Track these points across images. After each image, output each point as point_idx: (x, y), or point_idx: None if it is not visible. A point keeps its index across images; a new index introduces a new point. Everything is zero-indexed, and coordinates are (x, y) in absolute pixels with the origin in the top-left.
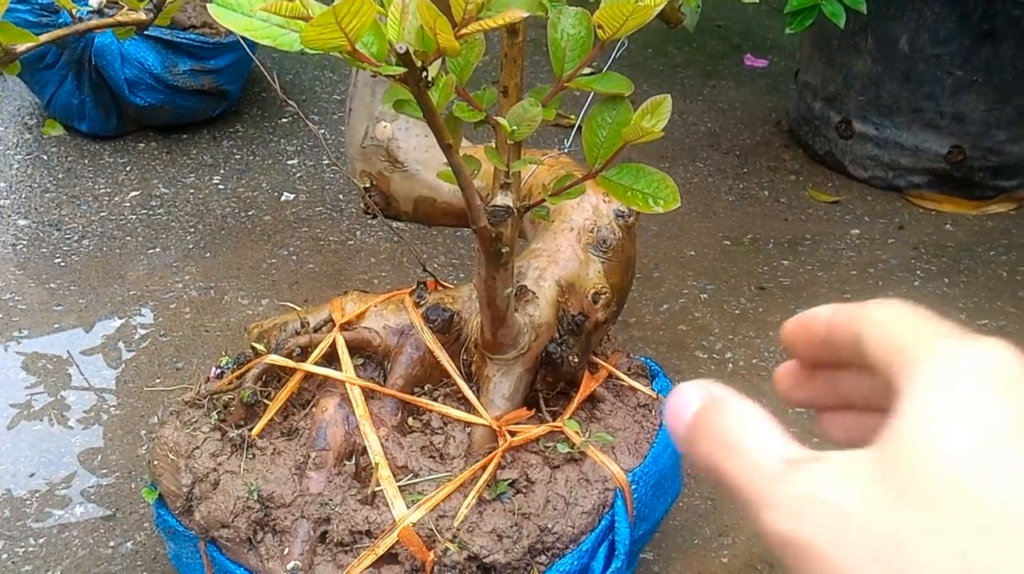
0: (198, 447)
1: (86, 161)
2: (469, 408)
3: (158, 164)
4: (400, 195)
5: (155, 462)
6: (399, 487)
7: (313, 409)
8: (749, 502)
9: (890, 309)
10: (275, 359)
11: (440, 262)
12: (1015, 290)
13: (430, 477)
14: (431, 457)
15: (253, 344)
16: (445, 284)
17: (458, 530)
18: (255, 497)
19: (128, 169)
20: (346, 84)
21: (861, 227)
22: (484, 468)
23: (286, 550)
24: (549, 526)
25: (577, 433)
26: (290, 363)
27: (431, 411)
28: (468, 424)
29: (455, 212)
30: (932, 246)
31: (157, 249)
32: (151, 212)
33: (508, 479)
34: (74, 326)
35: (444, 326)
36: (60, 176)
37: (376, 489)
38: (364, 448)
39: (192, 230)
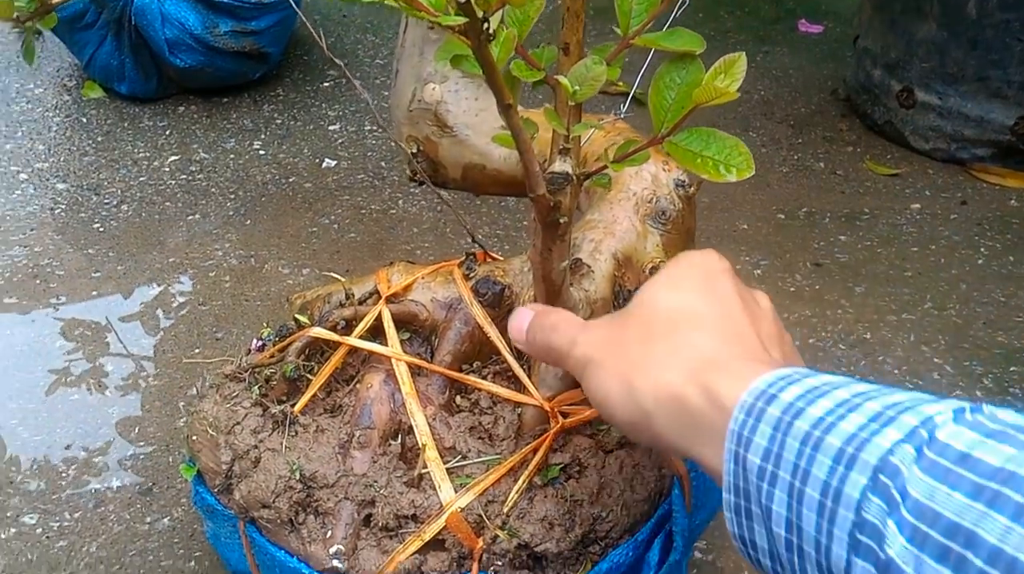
0: (239, 423)
1: (125, 124)
2: (520, 387)
3: (198, 128)
4: (448, 161)
5: (193, 437)
6: (447, 469)
7: (357, 385)
8: (561, 353)
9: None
10: (319, 332)
11: (484, 232)
12: None
13: (479, 459)
14: (480, 438)
15: (296, 316)
16: (495, 255)
17: (508, 516)
18: (297, 477)
19: (168, 133)
20: (389, 48)
21: (922, 201)
22: (535, 451)
23: (328, 533)
24: (603, 514)
25: None
26: (334, 337)
27: (480, 390)
28: (518, 404)
29: (504, 180)
30: (997, 222)
31: (196, 215)
32: (190, 177)
33: (560, 463)
34: (112, 293)
35: (495, 300)
36: (99, 139)
37: (423, 471)
38: (410, 427)
39: (232, 196)
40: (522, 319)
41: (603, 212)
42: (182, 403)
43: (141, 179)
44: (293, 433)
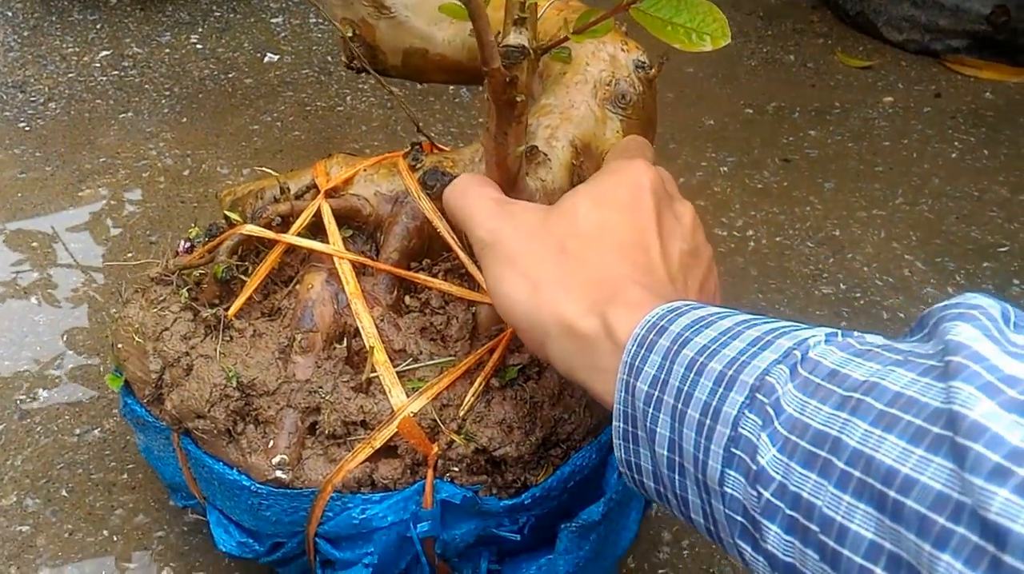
0: (167, 329)
1: (53, 18)
2: (474, 285)
3: (131, 22)
4: (387, 46)
5: (119, 345)
6: (397, 373)
7: (297, 286)
8: (471, 223)
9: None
10: (252, 230)
11: (437, 130)
12: None
13: (431, 362)
14: (431, 340)
15: (227, 213)
16: (441, 147)
17: (463, 420)
18: (234, 384)
19: (99, 27)
20: None
21: (895, 95)
22: (491, 352)
23: (271, 443)
24: (565, 416)
25: None
26: (269, 234)
27: (430, 288)
28: (472, 303)
29: (448, 66)
30: (971, 115)
31: (129, 114)
32: (123, 73)
33: (518, 364)
34: (38, 196)
35: (443, 192)
36: (25, 34)
37: (371, 375)
38: (356, 330)
39: (168, 93)
40: (452, 183)
41: (559, 96)
42: (114, 310)
43: (70, 75)
44: (228, 338)
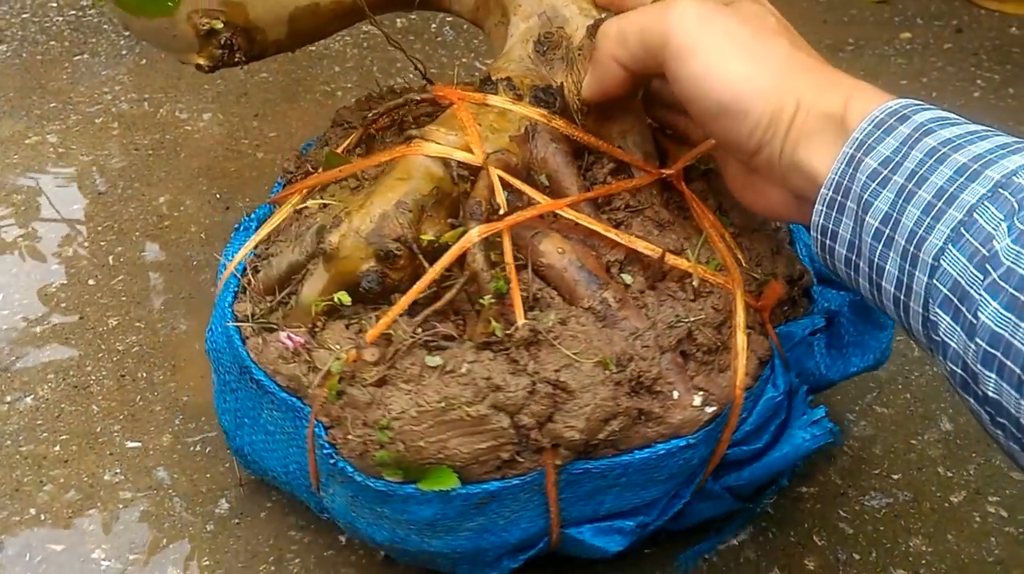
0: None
1: None
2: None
3: None
4: (267, 20)
5: (418, 443)
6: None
7: (545, 267)
8: (659, 29)
9: None
10: (485, 229)
11: (416, 74)
12: None
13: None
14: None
15: (430, 239)
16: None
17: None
18: (613, 370)
19: None
20: None
21: (913, 30)
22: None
23: (676, 394)
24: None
25: None
26: (501, 226)
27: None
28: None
29: (345, 11)
30: (995, 51)
31: (85, 55)
32: (81, 13)
33: None
34: None
35: (561, 103)
36: None
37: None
38: (622, 260)
39: (127, 34)
40: (609, 26)
41: None
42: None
43: (24, 16)
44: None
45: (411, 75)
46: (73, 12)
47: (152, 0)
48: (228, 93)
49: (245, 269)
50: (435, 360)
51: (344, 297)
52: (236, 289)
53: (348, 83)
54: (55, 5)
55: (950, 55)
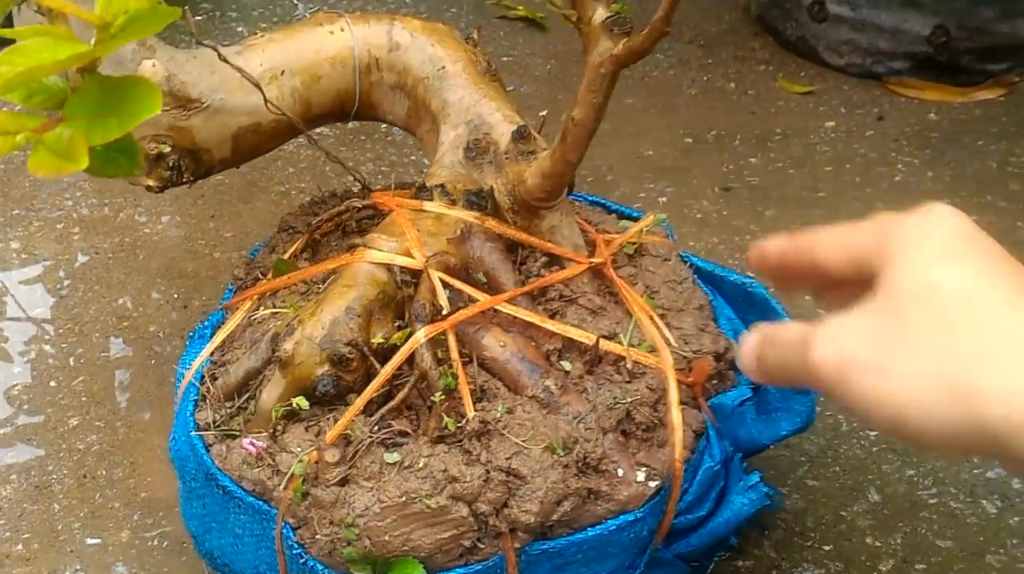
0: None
1: None
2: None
3: None
4: (212, 141)
5: (383, 538)
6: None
7: (488, 359)
8: (798, 362)
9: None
10: (430, 329)
11: (368, 169)
12: (1005, 182)
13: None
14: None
15: (379, 341)
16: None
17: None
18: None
19: None
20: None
21: (836, 119)
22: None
23: (621, 472)
24: None
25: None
26: (445, 325)
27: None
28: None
29: (285, 127)
30: (915, 137)
31: None
32: None
33: None
34: None
35: (486, 202)
36: None
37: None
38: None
39: None
40: (748, 344)
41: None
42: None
43: None
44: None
45: (365, 171)
46: None
47: (115, 163)
48: (185, 195)
49: (203, 377)
50: (393, 457)
51: (302, 402)
52: (196, 397)
53: (302, 183)
54: None
55: (872, 141)
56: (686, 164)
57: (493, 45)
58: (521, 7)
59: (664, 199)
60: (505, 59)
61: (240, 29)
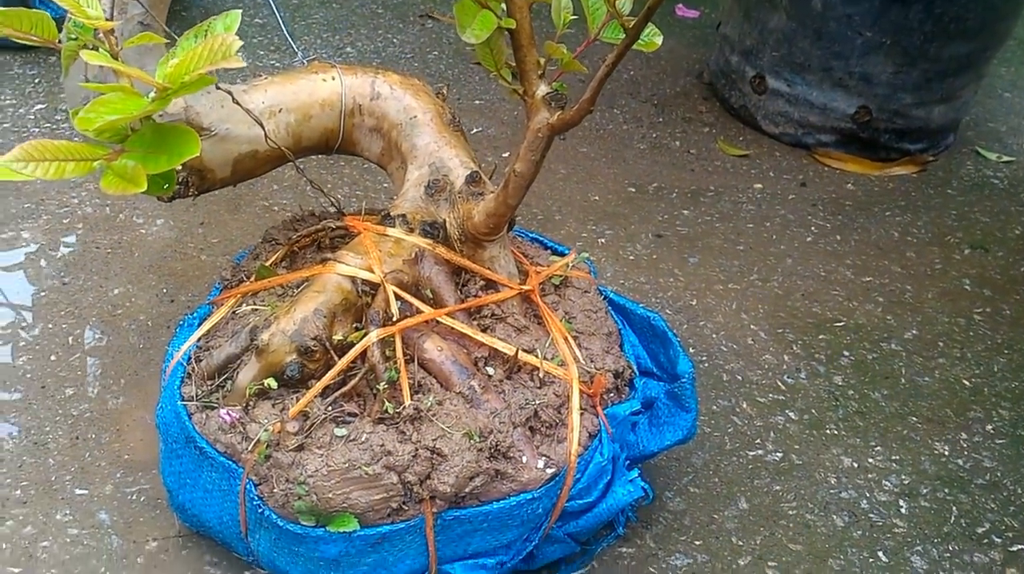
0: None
1: None
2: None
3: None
4: (216, 163)
5: (332, 488)
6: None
7: (427, 359)
8: None
9: None
10: (382, 331)
11: (344, 193)
12: (904, 250)
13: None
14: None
15: (339, 338)
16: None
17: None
18: (477, 442)
19: (36, 81)
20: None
21: (765, 182)
22: None
23: (524, 459)
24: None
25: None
26: (395, 329)
27: (486, 305)
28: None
29: (278, 156)
30: (831, 203)
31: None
32: (55, 126)
33: None
34: None
35: (443, 234)
36: None
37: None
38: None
39: None
40: None
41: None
42: (31, 344)
43: (5, 126)
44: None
45: (341, 195)
46: (48, 125)
47: (157, 185)
48: (179, 203)
49: (190, 358)
50: (342, 431)
51: (272, 383)
52: (182, 375)
53: (284, 200)
54: (32, 118)
55: (792, 204)
56: (627, 211)
57: (468, 88)
58: (485, 63)
59: (603, 240)
60: (477, 102)
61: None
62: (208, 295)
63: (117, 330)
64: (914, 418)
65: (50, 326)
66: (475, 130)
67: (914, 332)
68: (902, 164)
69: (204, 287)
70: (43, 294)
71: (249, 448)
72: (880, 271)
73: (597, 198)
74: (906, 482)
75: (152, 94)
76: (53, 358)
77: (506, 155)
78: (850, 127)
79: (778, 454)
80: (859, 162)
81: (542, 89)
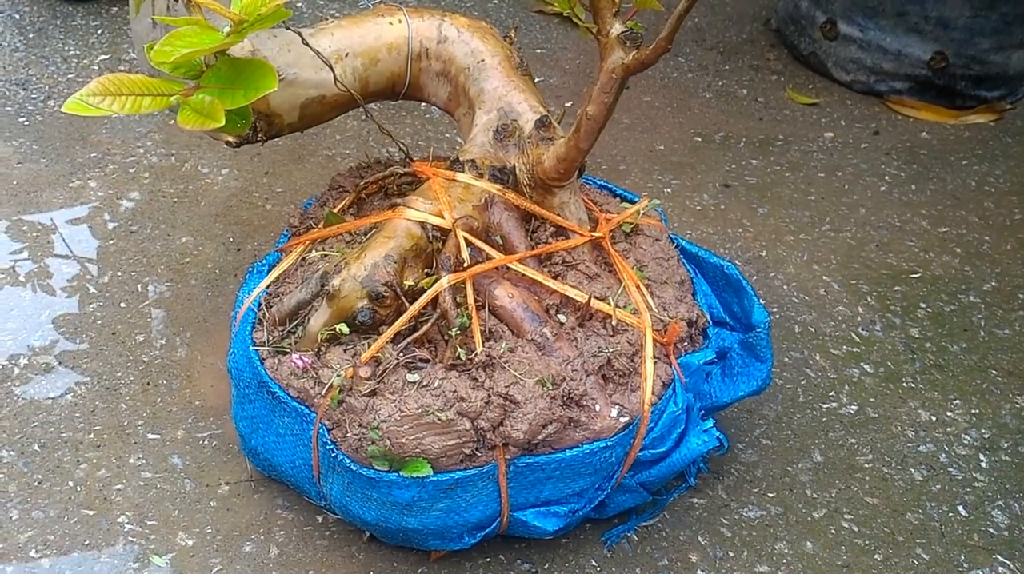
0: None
1: (58, 22)
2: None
3: (129, 29)
4: (283, 108)
5: (414, 435)
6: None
7: (498, 307)
8: None
9: None
10: (455, 276)
11: (408, 143)
12: (981, 200)
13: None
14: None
15: (410, 284)
16: (416, 160)
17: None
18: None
19: (99, 32)
20: None
21: (836, 130)
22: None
23: (598, 408)
24: None
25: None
26: (466, 275)
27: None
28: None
29: (345, 101)
30: (905, 153)
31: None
32: None
33: None
34: (32, 184)
35: (513, 180)
36: (31, 36)
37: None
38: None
39: None
40: None
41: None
42: (98, 292)
43: (69, 76)
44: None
45: (401, 144)
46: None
47: (233, 123)
48: (244, 153)
49: (260, 305)
50: (414, 377)
51: (343, 328)
52: (253, 321)
53: (347, 150)
54: (96, 68)
55: (865, 153)
56: (693, 160)
57: (529, 37)
58: (557, 3)
59: (669, 190)
60: (539, 51)
61: (300, 5)
62: (276, 243)
63: (184, 278)
64: (994, 371)
65: (119, 274)
66: (537, 79)
67: (993, 284)
68: (979, 112)
69: (270, 236)
70: (111, 243)
71: (322, 393)
72: (957, 222)
73: (662, 148)
74: (986, 436)
75: (227, 28)
76: (123, 305)
77: (569, 104)
78: (925, 74)
79: (853, 407)
80: (934, 110)
81: (616, 28)
